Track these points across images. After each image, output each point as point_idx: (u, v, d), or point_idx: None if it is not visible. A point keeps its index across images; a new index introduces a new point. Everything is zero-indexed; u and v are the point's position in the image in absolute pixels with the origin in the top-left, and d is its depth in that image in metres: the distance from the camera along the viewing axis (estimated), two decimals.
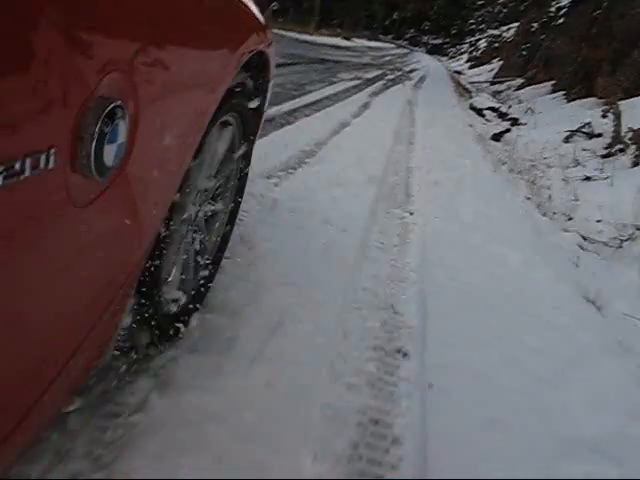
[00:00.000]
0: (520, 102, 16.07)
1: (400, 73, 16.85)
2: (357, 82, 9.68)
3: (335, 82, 8.68)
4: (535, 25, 24.29)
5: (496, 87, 23.13)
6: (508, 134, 6.81)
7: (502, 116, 10.56)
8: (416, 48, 63.24)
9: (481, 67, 33.55)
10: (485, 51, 37.34)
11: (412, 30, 79.97)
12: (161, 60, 0.91)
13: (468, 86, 20.24)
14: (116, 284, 0.99)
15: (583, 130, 6.40)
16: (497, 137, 6.68)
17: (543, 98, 14.45)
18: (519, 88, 20.65)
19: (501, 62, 29.47)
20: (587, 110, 10.02)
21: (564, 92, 13.82)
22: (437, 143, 5.29)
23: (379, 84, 10.51)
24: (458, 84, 20.52)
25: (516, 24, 33.55)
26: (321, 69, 10.30)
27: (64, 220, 0.73)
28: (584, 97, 11.15)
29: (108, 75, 0.74)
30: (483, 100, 11.78)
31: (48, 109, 0.64)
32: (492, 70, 30.07)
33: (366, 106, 6.88)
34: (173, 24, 0.97)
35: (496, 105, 10.67)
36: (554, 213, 3.87)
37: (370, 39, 45.07)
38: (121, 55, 0.78)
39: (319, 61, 12.01)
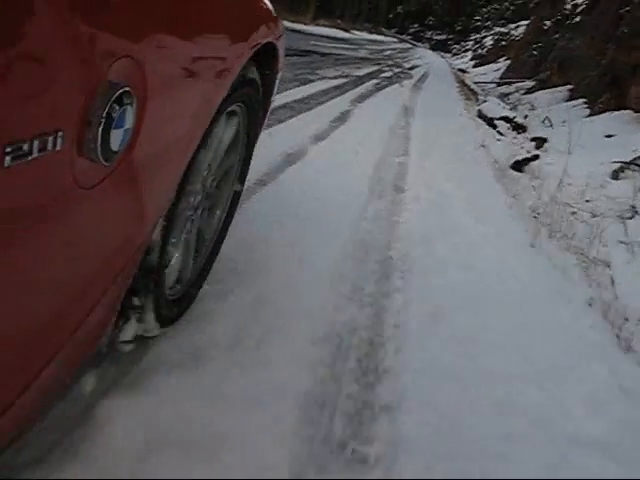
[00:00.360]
0: (533, 108, 14.32)
1: (399, 70, 15.06)
2: (342, 81, 7.86)
3: (312, 81, 6.85)
4: (548, 23, 22.53)
5: (503, 89, 21.42)
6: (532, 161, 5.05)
7: (517, 128, 8.79)
8: (419, 43, 61.55)
9: (486, 66, 31.81)
10: (491, 49, 35.65)
11: (416, 25, 78.34)
12: (171, 48, 0.93)
13: (474, 87, 18.47)
14: (118, 266, 0.99)
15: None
16: (519, 166, 4.92)
17: (560, 106, 12.69)
18: (530, 91, 18.89)
19: (508, 61, 27.76)
20: (625, 125, 8.28)
21: (585, 100, 12.13)
22: (439, 187, 3.48)
23: (370, 84, 8.71)
24: (463, 84, 18.73)
25: (526, 22, 31.82)
26: (300, 63, 8.37)
27: (69, 201, 0.74)
28: (614, 109, 9.46)
29: (118, 61, 0.75)
30: (494, 106, 9.99)
31: (57, 92, 0.65)
32: (498, 70, 28.35)
33: (343, 118, 5.07)
34: (184, 13, 0.98)
35: (510, 115, 8.88)
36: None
37: (371, 32, 43.15)
38: (131, 41, 0.79)
39: (302, 53, 10.10)
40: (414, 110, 7.12)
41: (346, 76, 8.39)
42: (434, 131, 5.63)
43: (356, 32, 34.16)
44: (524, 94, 18.90)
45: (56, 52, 0.63)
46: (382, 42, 33.42)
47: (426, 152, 4.51)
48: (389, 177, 3.55)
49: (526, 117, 9.59)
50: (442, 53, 51.66)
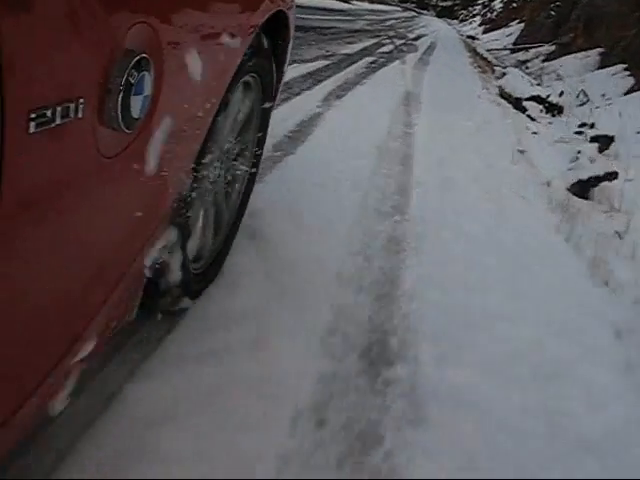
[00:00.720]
0: (559, 78, 12.36)
1: (402, 42, 13.13)
2: (321, 64, 5.70)
3: None
4: None
5: (520, 55, 19.33)
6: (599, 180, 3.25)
7: (552, 109, 6.96)
8: (424, 11, 58.89)
9: (498, 31, 29.49)
10: (501, 13, 33.26)
11: None
12: (184, 15, 0.93)
13: (487, 55, 16.45)
14: (142, 237, 0.99)
15: None
16: (585, 189, 3.15)
17: (595, 75, 10.75)
18: (550, 57, 16.79)
19: (522, 25, 25.55)
20: None
21: (625, 66, 10.21)
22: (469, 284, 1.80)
23: (361, 64, 6.72)
24: (475, 53, 16.71)
25: None
26: None
27: (93, 169, 0.74)
28: None
29: (134, 27, 0.74)
30: (517, 81, 8.14)
31: (76, 60, 0.65)
32: (511, 34, 26.11)
33: (296, 140, 2.91)
34: None
35: (542, 93, 7.03)
36: None
37: (373, 2, 40.77)
38: (146, 8, 0.79)
39: None
40: (419, 98, 5.33)
41: (330, 56, 6.48)
42: (448, 136, 3.87)
43: (356, 2, 31.87)
44: (545, 61, 16.83)
45: (73, 20, 0.63)
46: (384, 12, 31.09)
47: (444, 187, 2.75)
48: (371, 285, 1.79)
49: (562, 94, 7.70)
50: (449, 20, 49.24)
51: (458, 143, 3.74)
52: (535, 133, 5.21)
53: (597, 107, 7.03)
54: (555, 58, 14.45)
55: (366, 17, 19.57)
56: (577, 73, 11.59)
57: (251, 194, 1.77)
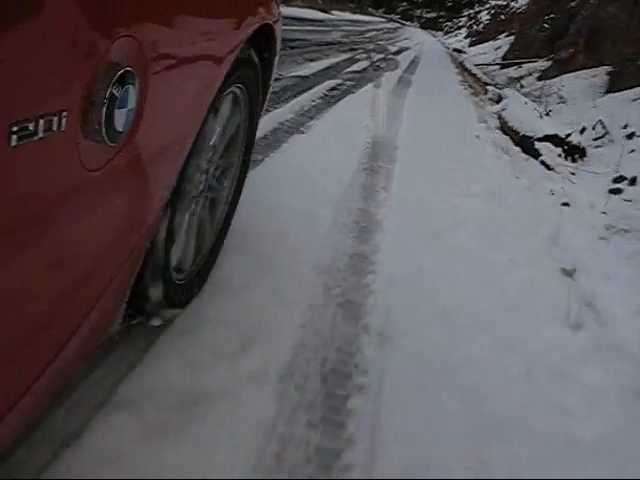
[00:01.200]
0: (562, 100, 10.73)
1: (381, 57, 11.44)
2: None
3: None
4: None
5: (511, 71, 17.76)
6: None
7: (572, 152, 5.24)
8: (408, 22, 57.80)
9: (485, 44, 28.01)
10: (489, 25, 31.86)
11: (404, 3, 74.47)
12: (170, 28, 0.93)
13: (477, 72, 14.82)
14: (125, 249, 1.00)
15: None
16: None
17: (609, 100, 9.11)
18: (546, 74, 15.18)
19: (511, 38, 24.10)
20: None
21: None
22: None
23: (317, 92, 4.82)
24: (463, 69, 15.09)
25: None
26: None
27: (75, 182, 0.73)
28: None
29: (118, 40, 0.74)
30: (520, 108, 6.42)
31: (60, 73, 0.65)
32: (500, 48, 24.61)
33: None
34: None
35: (560, 131, 5.29)
36: None
37: (355, 12, 39.30)
38: (131, 21, 0.78)
39: None
40: (393, 152, 3.55)
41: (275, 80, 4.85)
42: (443, 255, 2.07)
43: (337, 12, 30.28)
44: (540, 78, 15.23)
45: (58, 32, 0.63)
46: (366, 22, 29.51)
47: None
48: None
49: (583, 131, 5.98)
50: (433, 32, 48.13)
51: (464, 274, 1.95)
52: (566, 205, 3.45)
53: (632, 150, 5.29)
54: (553, 76, 12.86)
55: (344, 28, 17.89)
56: (584, 95, 9.98)
57: (236, 207, 1.76)
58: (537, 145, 5.12)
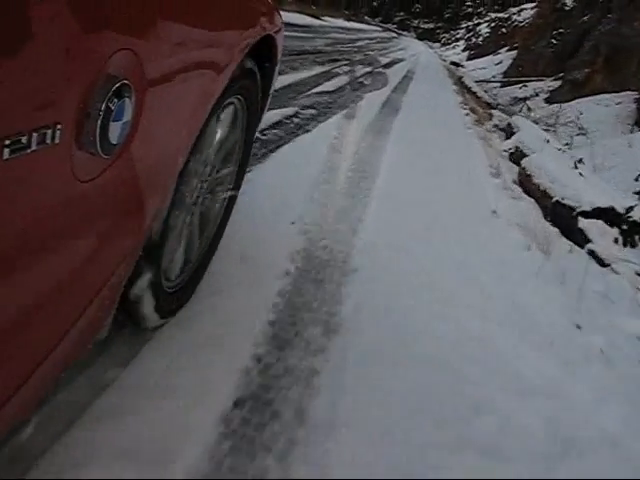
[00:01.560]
0: (582, 131, 9.06)
1: (367, 70, 9.69)
2: None
3: None
4: (569, 2, 17.19)
5: (514, 90, 16.11)
6: None
7: (632, 233, 3.48)
8: (405, 32, 56.34)
9: (484, 58, 26.40)
10: (489, 38, 30.18)
11: (402, 13, 73.21)
12: (169, 42, 0.93)
13: (477, 90, 13.10)
14: (117, 260, 0.99)
15: None
16: None
17: None
18: (555, 96, 13.55)
19: (513, 53, 22.53)
20: None
21: None
22: None
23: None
24: (462, 86, 13.37)
25: (531, 5, 26.43)
26: None
27: (68, 194, 0.74)
28: None
29: (116, 53, 0.75)
30: (547, 154, 4.67)
31: (56, 85, 0.65)
32: (500, 63, 23.01)
33: None
34: (182, 5, 0.99)
35: (616, 202, 3.52)
36: None
37: (349, 20, 37.70)
38: (129, 34, 0.79)
39: None
40: (349, 269, 1.77)
41: None
42: None
43: (329, 19, 28.66)
44: (549, 100, 13.60)
45: (54, 44, 0.63)
46: (359, 30, 27.84)
47: None
48: None
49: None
50: (430, 43, 46.65)
51: None
52: None
53: None
54: (565, 100, 11.19)
55: (332, 35, 16.15)
56: (608, 127, 8.30)
57: (229, 219, 1.75)
58: (583, 223, 3.36)
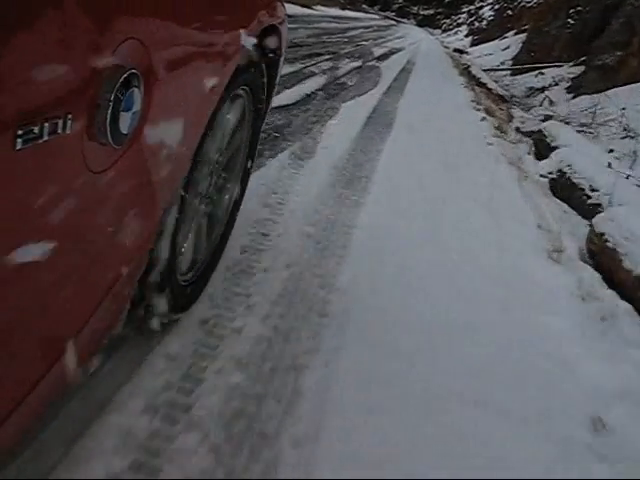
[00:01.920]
0: (628, 133, 7.24)
1: (357, 65, 7.91)
2: None
3: None
4: None
5: (528, 79, 14.20)
6: None
7: None
8: (404, 20, 54.28)
9: (490, 43, 24.33)
10: (493, 21, 28.12)
11: (401, 0, 71.07)
12: (176, 31, 0.93)
13: (486, 80, 11.24)
14: (129, 252, 0.99)
15: None
16: None
17: None
18: (579, 84, 11.70)
19: (522, 36, 20.56)
20: None
21: None
22: None
23: None
24: (470, 77, 11.53)
25: None
26: None
27: (80, 184, 0.74)
28: None
29: (124, 43, 0.75)
30: (628, 213, 2.87)
31: (66, 76, 0.65)
32: (508, 48, 21.01)
33: None
34: None
35: None
36: None
37: (344, 8, 35.76)
38: (136, 24, 0.79)
39: None
40: None
41: None
42: None
43: (321, 8, 26.71)
44: (572, 89, 11.72)
45: (62, 35, 0.63)
46: (352, 19, 25.84)
47: None
48: None
49: None
50: (430, 30, 44.59)
51: None
52: None
53: None
54: (594, 90, 9.35)
55: (320, 25, 14.29)
56: None
57: (240, 206, 1.74)
58: None
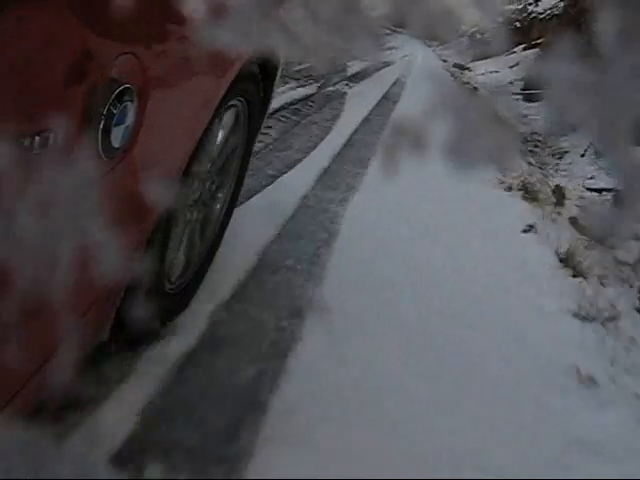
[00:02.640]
0: None
1: (306, 94, 4.83)
2: None
3: None
4: None
5: (543, 105, 11.28)
6: None
7: None
8: (399, 29, 51.55)
9: (494, 59, 21.63)
10: (500, 32, 25.15)
11: None
12: (172, 46, 0.95)
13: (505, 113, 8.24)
14: (119, 257, 0.87)
15: None
16: None
17: None
18: None
19: (532, 52, 17.85)
20: None
21: None
22: None
23: None
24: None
25: None
26: None
27: (70, 197, 0.71)
28: None
29: (119, 57, 0.76)
30: None
31: (58, 88, 0.66)
32: (516, 65, 18.36)
33: None
34: (183, 9, 0.96)
35: None
36: None
37: None
38: (132, 38, 0.80)
39: None
40: None
41: None
42: None
43: None
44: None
45: (57, 48, 0.63)
46: None
47: None
48: None
49: None
50: (427, 41, 41.89)
51: None
52: None
53: None
54: None
55: None
56: None
57: (230, 220, 1.77)
58: None
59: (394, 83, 8.16)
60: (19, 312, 0.71)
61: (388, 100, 6.26)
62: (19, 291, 0.67)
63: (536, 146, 7.39)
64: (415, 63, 14.58)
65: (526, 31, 20.04)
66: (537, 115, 9.98)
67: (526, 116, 9.89)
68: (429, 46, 33.23)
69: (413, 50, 20.76)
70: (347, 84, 6.54)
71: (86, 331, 0.99)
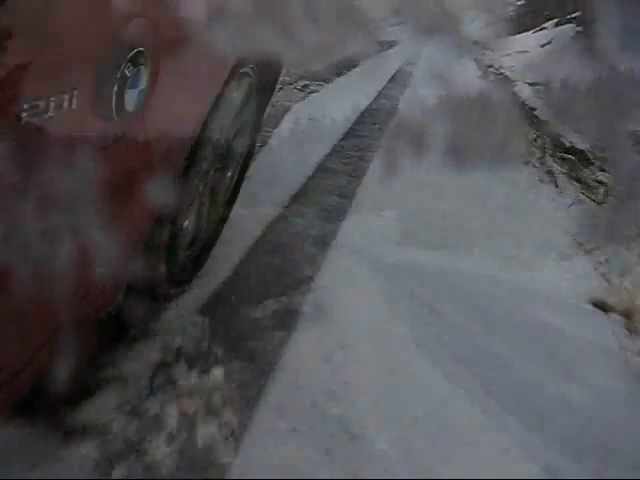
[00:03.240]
0: None
1: None
2: None
3: None
4: None
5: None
6: None
7: None
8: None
9: (520, 35, 18.70)
10: (525, 6, 21.68)
11: None
12: (185, 9, 0.91)
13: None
14: (131, 227, 1.00)
15: None
16: None
17: None
18: None
19: (567, 27, 15.11)
20: None
21: None
22: None
23: None
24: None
25: None
26: None
27: (84, 160, 0.73)
28: None
29: (132, 21, 0.75)
30: None
31: (73, 52, 0.66)
32: (549, 43, 15.54)
33: None
34: None
35: None
36: None
37: None
38: (147, 2, 0.79)
39: None
40: None
41: None
42: None
43: None
44: None
45: (71, 11, 0.62)
46: None
47: None
48: None
49: None
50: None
51: None
52: None
53: None
54: None
55: None
56: None
57: (242, 185, 1.75)
58: None
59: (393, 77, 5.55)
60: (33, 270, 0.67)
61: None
62: (53, 236, 0.66)
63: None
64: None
65: (559, 2, 17.14)
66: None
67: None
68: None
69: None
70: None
71: (99, 298, 0.96)
